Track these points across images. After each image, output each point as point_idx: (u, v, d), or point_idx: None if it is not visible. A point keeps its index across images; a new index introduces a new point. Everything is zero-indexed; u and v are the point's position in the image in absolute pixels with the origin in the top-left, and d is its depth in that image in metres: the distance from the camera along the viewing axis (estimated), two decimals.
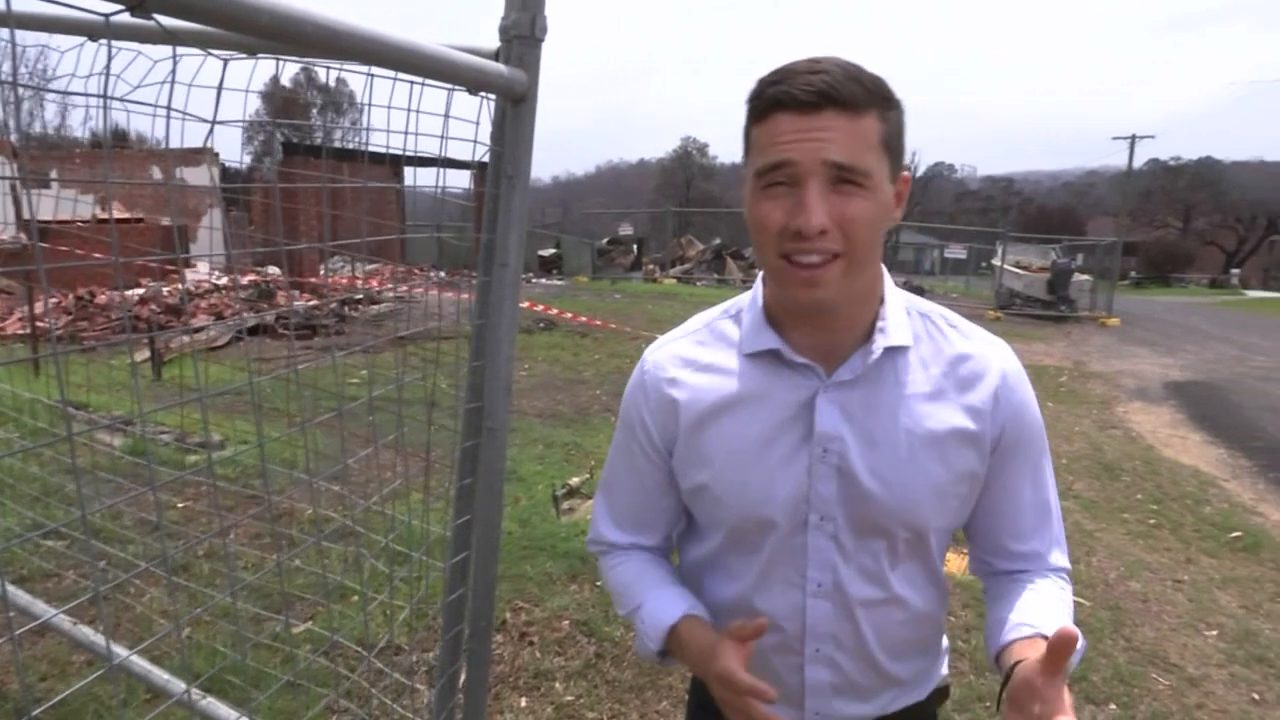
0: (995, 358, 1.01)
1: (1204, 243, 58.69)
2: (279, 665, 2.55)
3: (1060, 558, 1.07)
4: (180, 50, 1.14)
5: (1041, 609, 0.99)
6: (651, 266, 23.40)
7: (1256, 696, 2.97)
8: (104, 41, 0.84)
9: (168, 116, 0.83)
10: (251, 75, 1.25)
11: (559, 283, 20.36)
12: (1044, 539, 1.06)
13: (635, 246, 26.15)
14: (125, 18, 0.77)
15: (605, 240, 26.43)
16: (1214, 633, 3.46)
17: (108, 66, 0.70)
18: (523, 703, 2.64)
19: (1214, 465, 6.51)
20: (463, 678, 1.66)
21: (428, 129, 1.28)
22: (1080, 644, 0.93)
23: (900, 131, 0.91)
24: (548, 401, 7.23)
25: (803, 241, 0.87)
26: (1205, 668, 3.14)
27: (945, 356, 1.00)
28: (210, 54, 0.97)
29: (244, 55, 1.28)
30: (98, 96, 0.72)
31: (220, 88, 0.88)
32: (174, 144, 1.09)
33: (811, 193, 0.85)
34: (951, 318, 1.04)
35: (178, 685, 1.89)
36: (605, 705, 2.64)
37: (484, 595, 1.59)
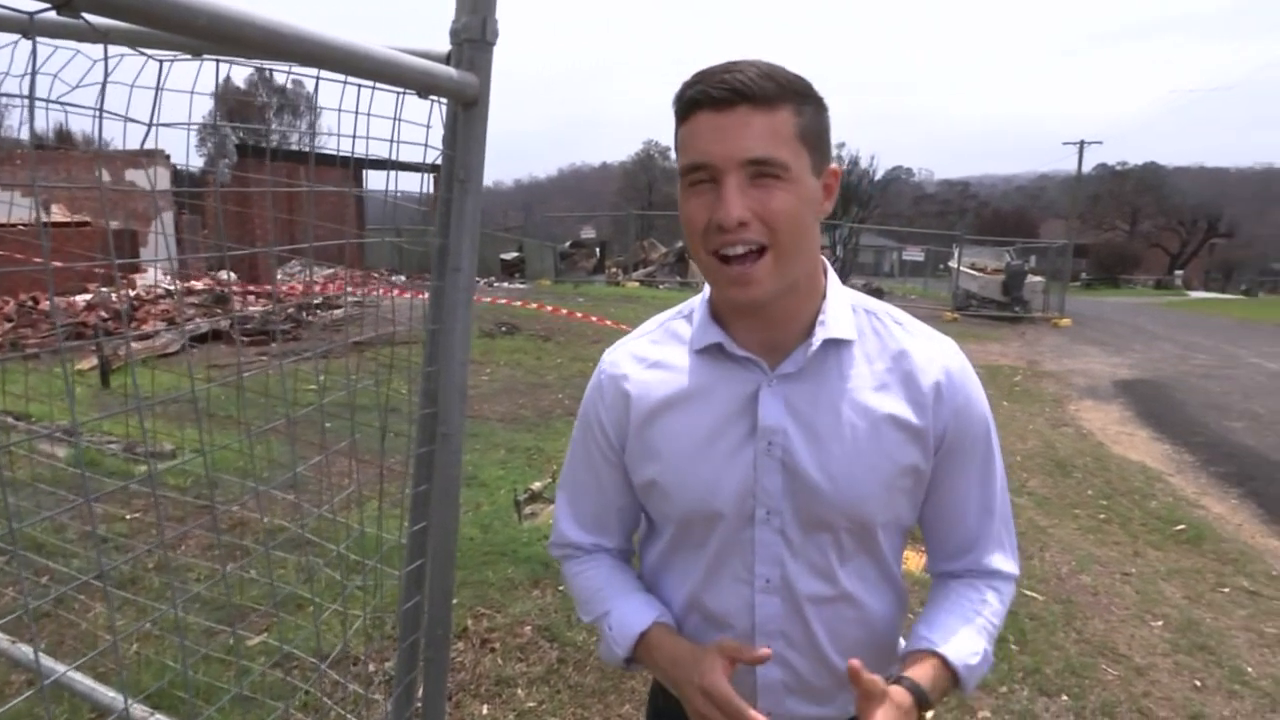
0: (939, 354, 1.02)
1: (1149, 245, 60.66)
2: (232, 679, 2.49)
3: (1003, 561, 1.07)
4: (124, 51, 1.11)
5: (946, 622, 1.02)
6: (614, 269, 23.39)
7: (1198, 684, 3.07)
8: (37, 40, 0.81)
9: (100, 117, 0.81)
10: (196, 76, 1.23)
11: (521, 286, 20.24)
12: (984, 542, 1.06)
13: (598, 250, 26.13)
14: (58, 16, 0.74)
15: (568, 243, 26.36)
16: (1159, 623, 3.57)
17: (33, 67, 0.68)
18: (484, 710, 2.62)
19: (1160, 460, 6.73)
20: (421, 687, 1.64)
21: (383, 132, 1.27)
22: (978, 659, 0.99)
23: (821, 126, 0.93)
24: (510, 406, 7.18)
25: (725, 235, 0.89)
26: (1151, 657, 3.24)
27: (890, 352, 1.02)
28: (143, 53, 0.95)
29: (189, 56, 1.25)
30: (24, 98, 0.70)
31: (159, 88, 0.86)
32: (122, 145, 1.06)
33: (729, 187, 0.88)
34: (898, 315, 1.06)
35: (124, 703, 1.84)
36: (568, 710, 2.63)
37: (441, 602, 1.57)
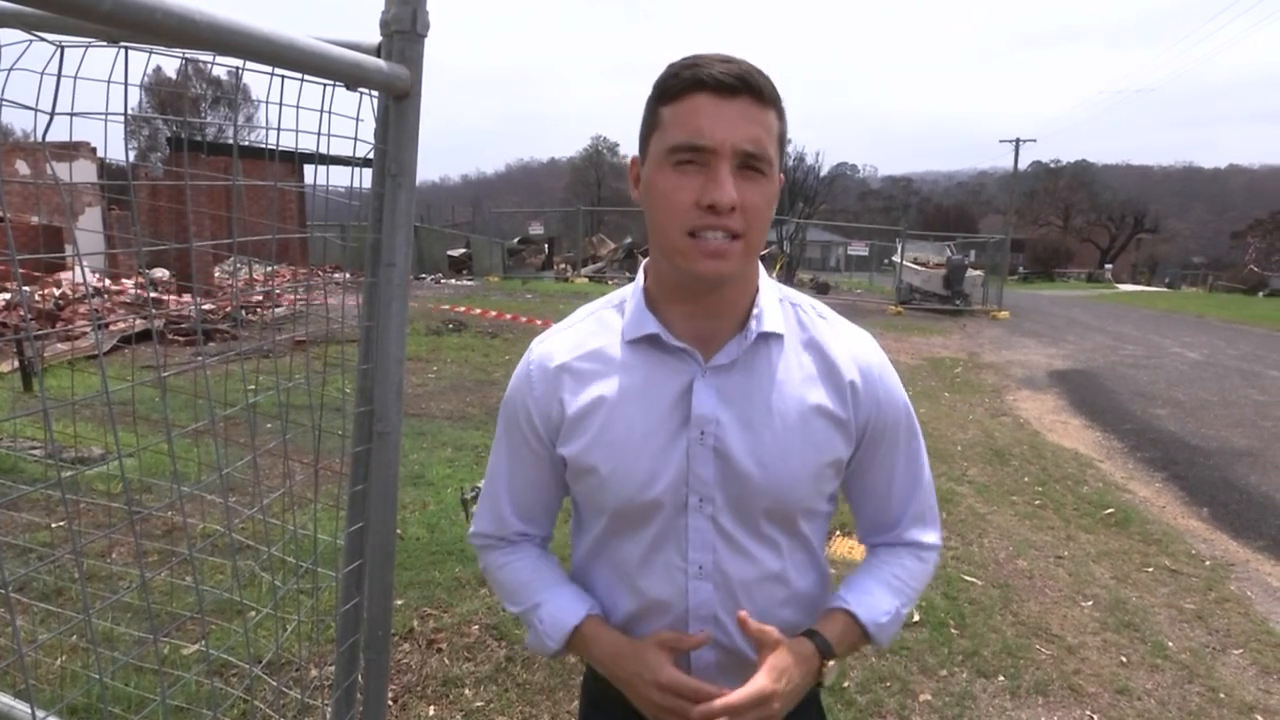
0: (860, 349, 1.07)
1: (1081, 240, 62.93)
2: (163, 689, 2.41)
3: (925, 534, 1.14)
4: (28, 36, 1.06)
5: (863, 584, 1.10)
6: (563, 266, 23.29)
7: (1124, 659, 3.21)
8: None
9: None
10: (112, 66, 1.18)
11: (469, 283, 20.00)
12: (908, 519, 1.13)
13: (547, 246, 25.97)
14: None
15: (517, 240, 26.13)
16: (1089, 603, 3.72)
17: None
18: (431, 711, 2.59)
19: (1091, 447, 7.00)
20: (361, 689, 1.61)
21: (314, 126, 1.24)
22: (888, 618, 1.07)
23: (785, 132, 0.98)
24: (457, 403, 7.10)
25: (714, 216, 0.90)
26: (1082, 636, 3.38)
27: (815, 345, 1.06)
28: (42, 38, 0.90)
29: (104, 44, 1.20)
30: None
31: (59, 75, 0.82)
32: (35, 137, 1.01)
33: (724, 171, 0.90)
34: (821, 309, 1.10)
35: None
36: (516, 709, 2.62)
37: (381, 603, 1.54)
